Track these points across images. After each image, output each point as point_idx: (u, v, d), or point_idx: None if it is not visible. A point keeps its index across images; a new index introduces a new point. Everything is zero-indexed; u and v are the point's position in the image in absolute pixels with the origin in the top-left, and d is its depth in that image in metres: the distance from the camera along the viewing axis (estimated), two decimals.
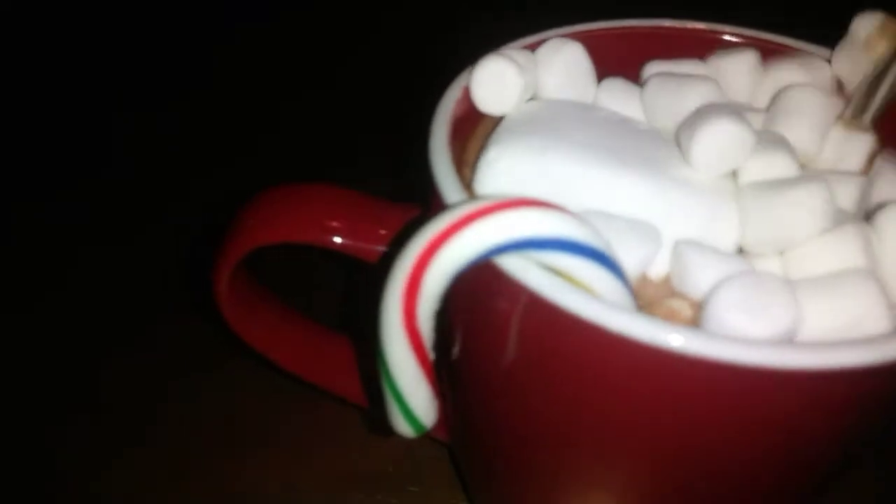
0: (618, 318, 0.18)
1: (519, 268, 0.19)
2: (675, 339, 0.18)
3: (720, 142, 0.23)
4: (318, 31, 0.77)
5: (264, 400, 0.40)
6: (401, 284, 0.20)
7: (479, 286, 0.21)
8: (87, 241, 0.50)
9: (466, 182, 0.25)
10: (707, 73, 0.28)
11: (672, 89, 0.26)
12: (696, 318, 0.21)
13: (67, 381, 0.41)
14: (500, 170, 0.24)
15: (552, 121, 0.25)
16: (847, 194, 0.24)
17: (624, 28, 0.29)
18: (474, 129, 0.28)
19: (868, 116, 0.26)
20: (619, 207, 0.23)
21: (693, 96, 0.25)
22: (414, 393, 0.24)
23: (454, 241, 0.19)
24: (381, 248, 0.25)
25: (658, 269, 0.22)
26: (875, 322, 0.20)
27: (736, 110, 0.23)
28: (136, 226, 0.52)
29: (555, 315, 0.19)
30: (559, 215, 0.19)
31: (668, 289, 0.22)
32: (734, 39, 0.30)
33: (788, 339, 0.19)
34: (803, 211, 0.21)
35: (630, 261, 0.21)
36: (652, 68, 0.28)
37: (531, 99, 0.27)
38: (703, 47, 0.29)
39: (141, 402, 0.40)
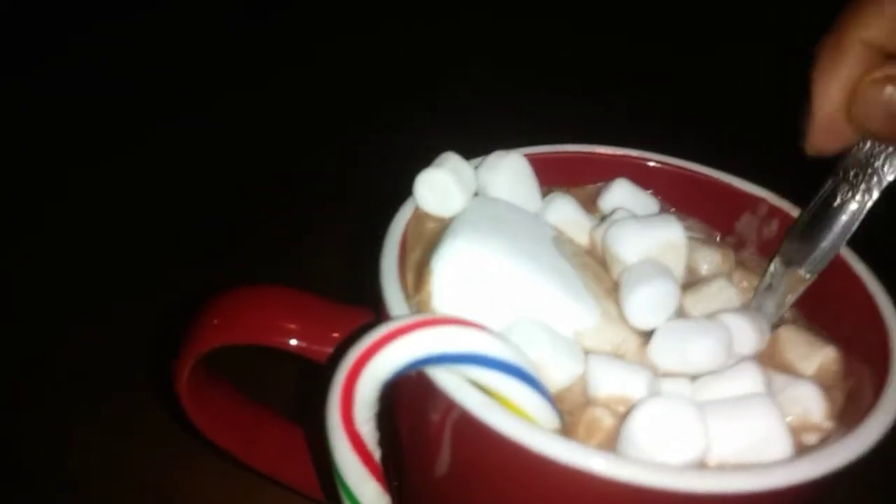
0: (536, 439, 0.20)
1: (446, 380, 0.22)
2: (591, 462, 0.20)
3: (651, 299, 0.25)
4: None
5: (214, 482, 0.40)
6: (338, 391, 0.23)
7: (413, 395, 0.23)
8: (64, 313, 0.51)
9: (408, 285, 0.27)
10: None
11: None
12: (616, 427, 0.23)
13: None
14: (465, 258, 0.26)
15: (508, 225, 0.28)
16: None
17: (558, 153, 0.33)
18: (414, 234, 0.30)
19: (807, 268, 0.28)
20: (557, 322, 0.25)
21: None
22: (360, 489, 0.26)
23: (381, 353, 0.22)
24: (332, 350, 0.27)
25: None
26: (778, 443, 0.22)
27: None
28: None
29: (479, 429, 0.21)
30: (479, 334, 0.22)
31: (583, 394, 0.24)
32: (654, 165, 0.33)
33: (696, 464, 0.21)
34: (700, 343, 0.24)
35: (562, 376, 0.24)
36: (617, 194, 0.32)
37: (476, 194, 0.30)
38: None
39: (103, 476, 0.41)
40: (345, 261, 0.53)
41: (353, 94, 0.82)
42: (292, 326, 0.27)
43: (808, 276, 0.28)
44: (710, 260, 0.30)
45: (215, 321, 0.28)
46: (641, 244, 0.27)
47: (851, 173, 0.27)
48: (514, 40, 0.97)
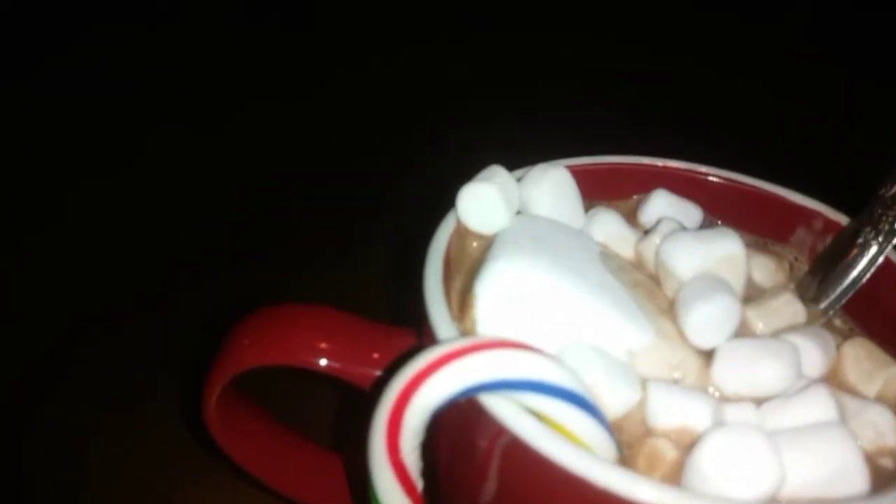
0: (602, 472, 0.19)
1: (501, 409, 0.20)
2: (660, 497, 0.18)
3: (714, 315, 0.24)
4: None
5: None
6: (384, 420, 0.21)
7: (461, 422, 0.22)
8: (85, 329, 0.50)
9: (453, 308, 0.26)
10: None
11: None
12: (679, 460, 0.21)
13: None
14: (508, 279, 0.24)
15: (552, 243, 0.27)
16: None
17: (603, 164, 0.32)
18: (458, 253, 0.29)
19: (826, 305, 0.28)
20: (608, 342, 0.24)
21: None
22: None
23: (432, 379, 0.20)
24: (375, 373, 0.26)
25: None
26: (855, 476, 0.21)
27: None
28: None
29: (537, 461, 0.19)
30: (536, 358, 0.20)
31: (643, 423, 0.23)
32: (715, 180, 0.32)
33: (769, 499, 0.20)
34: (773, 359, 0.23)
35: (616, 403, 0.22)
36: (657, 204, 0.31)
37: (519, 212, 0.29)
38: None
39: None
40: (363, 278, 0.52)
41: (352, 98, 0.81)
42: (330, 347, 0.26)
43: (825, 311, 0.28)
44: (763, 267, 0.28)
45: (246, 341, 0.26)
46: (697, 258, 0.26)
47: (877, 214, 0.26)
48: (514, 40, 0.96)
